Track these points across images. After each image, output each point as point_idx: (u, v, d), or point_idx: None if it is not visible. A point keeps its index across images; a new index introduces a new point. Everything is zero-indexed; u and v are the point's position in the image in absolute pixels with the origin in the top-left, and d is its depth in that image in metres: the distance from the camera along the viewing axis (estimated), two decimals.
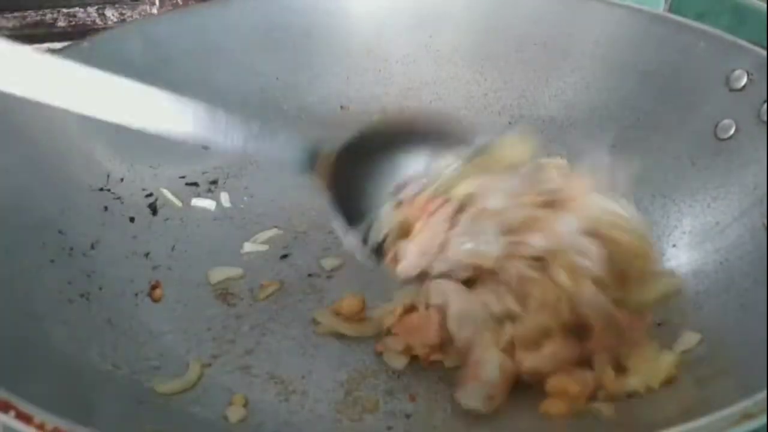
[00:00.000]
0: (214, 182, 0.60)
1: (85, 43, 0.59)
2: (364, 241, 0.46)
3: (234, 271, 0.53)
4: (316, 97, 0.65)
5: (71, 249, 0.50)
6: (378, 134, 0.49)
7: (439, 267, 0.44)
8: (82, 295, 0.47)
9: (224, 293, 0.51)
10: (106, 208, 0.54)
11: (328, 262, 0.54)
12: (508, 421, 0.41)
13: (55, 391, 0.38)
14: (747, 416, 0.32)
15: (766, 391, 0.33)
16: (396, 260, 0.45)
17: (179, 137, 0.43)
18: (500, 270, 0.42)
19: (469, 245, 0.43)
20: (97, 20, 0.79)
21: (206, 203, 0.58)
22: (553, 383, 0.41)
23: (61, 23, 0.78)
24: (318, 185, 0.47)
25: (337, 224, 0.47)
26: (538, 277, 0.41)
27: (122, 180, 0.56)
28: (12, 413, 0.32)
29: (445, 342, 0.44)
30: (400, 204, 0.46)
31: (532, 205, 0.43)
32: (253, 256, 0.55)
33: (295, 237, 0.56)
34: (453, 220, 0.44)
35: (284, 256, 0.54)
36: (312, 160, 0.47)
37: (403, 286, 0.46)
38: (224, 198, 0.59)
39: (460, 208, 0.44)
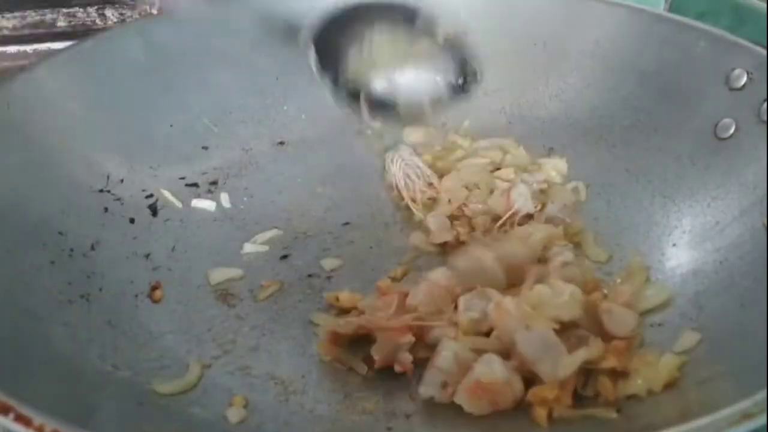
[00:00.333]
0: (214, 183, 0.60)
1: (85, 43, 0.59)
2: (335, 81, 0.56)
3: (234, 272, 0.53)
4: (316, 97, 0.65)
5: (71, 250, 0.50)
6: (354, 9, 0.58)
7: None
8: (82, 296, 0.47)
9: (224, 294, 0.51)
10: (106, 209, 0.54)
11: (328, 263, 0.54)
12: (508, 423, 0.41)
13: (55, 392, 0.39)
14: (747, 416, 0.32)
15: (766, 391, 0.33)
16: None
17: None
18: None
19: None
20: (97, 20, 0.79)
21: (206, 204, 0.58)
22: (532, 391, 0.41)
23: (61, 23, 0.78)
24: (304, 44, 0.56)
25: (319, 72, 0.56)
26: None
27: (122, 181, 0.56)
28: (11, 415, 0.32)
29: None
30: None
31: None
32: (253, 257, 0.55)
33: (295, 237, 0.56)
34: None
35: (284, 257, 0.54)
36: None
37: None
38: (224, 198, 0.59)
39: None
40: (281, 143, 0.64)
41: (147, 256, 0.53)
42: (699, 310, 0.46)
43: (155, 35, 0.61)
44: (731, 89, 0.53)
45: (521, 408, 0.41)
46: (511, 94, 0.65)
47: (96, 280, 0.49)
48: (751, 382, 0.35)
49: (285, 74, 0.65)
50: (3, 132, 0.51)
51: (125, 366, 0.44)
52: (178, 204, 0.57)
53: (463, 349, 0.43)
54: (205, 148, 0.61)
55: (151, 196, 0.57)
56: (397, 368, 0.44)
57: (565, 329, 0.42)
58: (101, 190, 0.54)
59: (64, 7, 0.78)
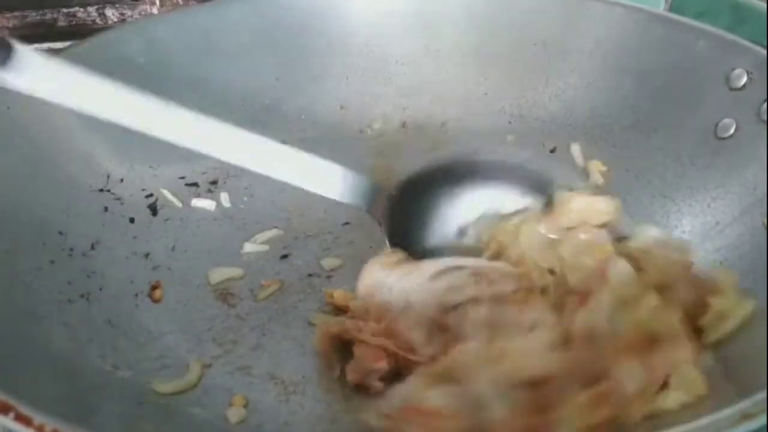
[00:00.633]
0: (214, 182, 0.60)
1: (85, 43, 0.59)
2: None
3: (234, 272, 0.53)
4: (315, 97, 0.65)
5: (71, 249, 0.50)
6: (440, 170, 0.49)
7: None
8: (82, 296, 0.47)
9: (224, 293, 0.51)
10: (106, 209, 0.54)
11: (328, 262, 0.54)
12: None
13: (55, 392, 0.38)
14: (747, 416, 0.32)
15: (766, 391, 0.33)
16: None
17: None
18: None
19: None
20: (97, 20, 0.79)
21: (206, 203, 0.58)
22: None
23: (61, 23, 0.78)
24: (376, 220, 0.49)
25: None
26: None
27: (122, 180, 0.56)
28: (11, 415, 0.32)
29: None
30: None
31: None
32: (253, 257, 0.55)
33: (295, 237, 0.56)
34: None
35: (284, 257, 0.54)
36: (372, 197, 0.48)
37: None
38: (224, 198, 0.59)
39: None
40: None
41: (147, 255, 0.53)
42: None
43: (155, 35, 0.61)
44: (731, 89, 0.53)
45: None
46: (511, 94, 0.65)
47: (96, 279, 0.49)
48: (750, 382, 0.35)
49: (285, 74, 0.65)
50: (3, 132, 0.51)
51: (125, 366, 0.44)
52: (178, 203, 0.57)
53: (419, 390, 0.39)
54: None
55: (150, 195, 0.57)
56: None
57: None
58: (101, 190, 0.54)
59: (64, 7, 0.78)
